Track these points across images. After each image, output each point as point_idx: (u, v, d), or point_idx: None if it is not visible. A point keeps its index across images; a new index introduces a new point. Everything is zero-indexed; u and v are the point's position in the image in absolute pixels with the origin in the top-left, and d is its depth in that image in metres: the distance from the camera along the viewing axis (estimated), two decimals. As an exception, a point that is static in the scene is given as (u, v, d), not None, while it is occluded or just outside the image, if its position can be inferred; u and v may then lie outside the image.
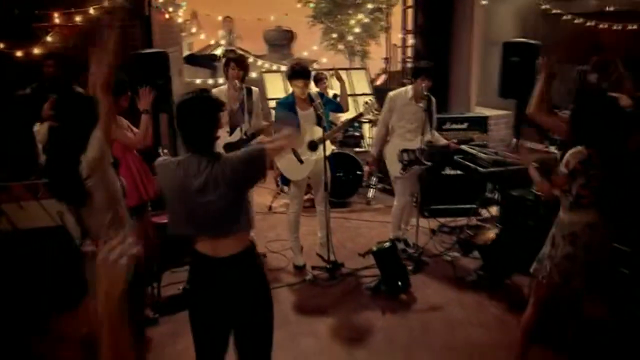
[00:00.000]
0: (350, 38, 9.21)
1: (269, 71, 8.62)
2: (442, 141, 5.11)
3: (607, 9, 7.01)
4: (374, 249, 4.45)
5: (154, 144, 4.62)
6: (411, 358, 3.60)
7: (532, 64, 5.89)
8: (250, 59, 8.86)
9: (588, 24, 6.83)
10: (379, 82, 9.79)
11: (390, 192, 6.73)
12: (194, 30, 9.12)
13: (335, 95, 5.49)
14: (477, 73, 7.00)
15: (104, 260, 1.34)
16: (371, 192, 6.75)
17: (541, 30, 7.86)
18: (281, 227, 5.58)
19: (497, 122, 6.72)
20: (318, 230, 4.97)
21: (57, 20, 5.72)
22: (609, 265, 2.98)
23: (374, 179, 6.83)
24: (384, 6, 9.09)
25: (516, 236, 4.51)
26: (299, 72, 4.46)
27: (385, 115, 5.00)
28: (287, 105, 4.57)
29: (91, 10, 5.72)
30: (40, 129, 3.17)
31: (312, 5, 10.03)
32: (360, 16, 9.04)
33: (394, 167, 4.97)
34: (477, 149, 5.32)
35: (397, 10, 8.54)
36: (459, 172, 5.82)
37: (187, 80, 8.51)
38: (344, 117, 5.77)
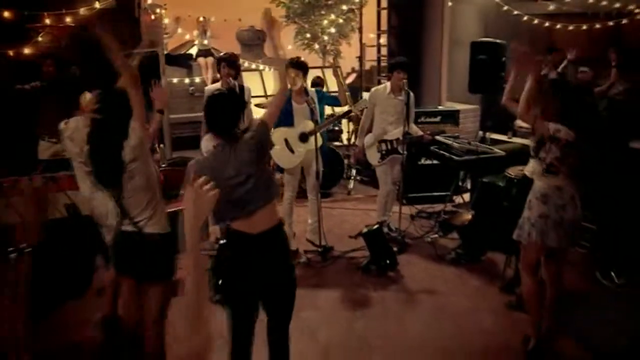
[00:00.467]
0: (325, 38, 9.58)
1: (248, 70, 8.92)
2: (418, 132, 5.55)
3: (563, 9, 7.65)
4: (364, 231, 4.85)
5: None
6: (404, 324, 4.01)
7: (498, 62, 6.44)
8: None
9: (546, 24, 7.43)
10: (350, 80, 10.23)
11: (368, 183, 7.20)
12: (180, 31, 9.33)
13: None
14: (445, 70, 7.50)
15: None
16: (351, 184, 7.15)
17: (502, 30, 8.45)
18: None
19: (465, 116, 7.23)
20: (308, 218, 5.33)
21: (47, 21, 5.88)
22: (577, 224, 3.45)
23: (353, 171, 7.24)
24: (355, 7, 9.51)
25: (490, 217, 4.99)
26: (292, 64, 4.85)
27: (369, 109, 5.41)
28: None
29: (81, 11, 5.90)
30: (69, 125, 3.38)
31: (285, 5, 10.35)
32: (332, 17, 9.45)
33: (373, 156, 5.40)
34: (451, 140, 5.81)
35: (366, 11, 8.95)
36: (433, 162, 6.29)
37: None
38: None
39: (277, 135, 4.86)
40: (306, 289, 4.51)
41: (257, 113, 5.63)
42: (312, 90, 5.07)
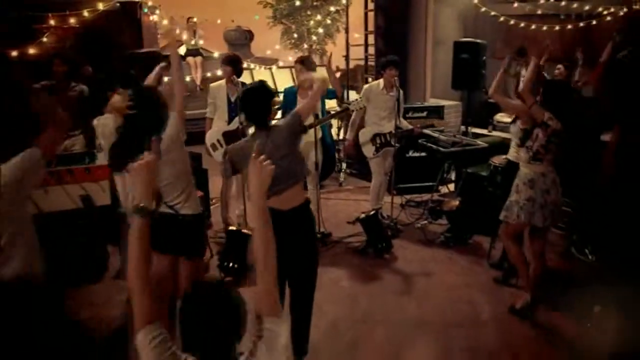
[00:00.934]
0: (314, 38, 9.94)
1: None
2: (408, 126, 5.96)
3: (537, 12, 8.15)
4: (361, 217, 5.24)
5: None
6: (402, 299, 4.42)
7: (478, 61, 6.91)
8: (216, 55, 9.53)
9: (521, 24, 7.90)
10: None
11: (358, 176, 7.59)
12: (178, 32, 9.58)
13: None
14: (429, 68, 7.94)
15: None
16: (342, 176, 7.54)
17: (481, 30, 8.94)
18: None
19: (449, 112, 7.66)
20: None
21: (52, 22, 6.12)
22: (559, 205, 3.91)
23: (344, 165, 7.62)
24: (341, 8, 9.89)
25: (475, 204, 5.44)
26: (298, 60, 5.40)
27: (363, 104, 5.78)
28: (292, 93, 5.40)
29: (85, 13, 6.16)
30: (102, 121, 3.69)
31: (272, 7, 10.69)
32: (318, 17, 9.81)
33: (368, 149, 5.79)
34: (438, 133, 6.24)
35: (351, 12, 9.30)
36: (421, 154, 6.72)
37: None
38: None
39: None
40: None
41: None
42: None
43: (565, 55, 7.10)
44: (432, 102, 7.72)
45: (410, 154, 6.84)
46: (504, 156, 4.83)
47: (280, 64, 9.47)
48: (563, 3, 8.13)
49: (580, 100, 6.70)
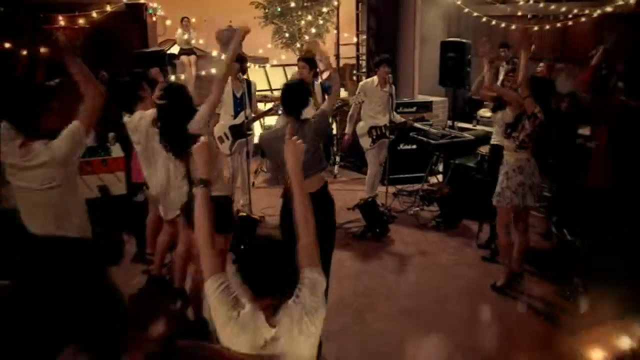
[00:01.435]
0: (307, 37, 10.32)
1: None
2: (401, 119, 6.39)
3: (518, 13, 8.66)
4: (360, 203, 5.66)
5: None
6: (400, 276, 4.87)
7: (464, 59, 7.38)
8: (214, 53, 9.85)
9: (502, 25, 8.39)
10: (324, 77, 11.00)
11: (351, 168, 8.01)
12: (179, 31, 9.92)
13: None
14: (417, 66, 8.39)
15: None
16: (336, 168, 7.94)
17: (464, 29, 9.44)
18: (267, 199, 6.62)
19: (436, 107, 8.13)
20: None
21: (62, 23, 6.42)
22: (540, 186, 4.39)
23: (337, 157, 8.03)
24: (330, 9, 10.29)
25: (462, 192, 5.90)
26: (301, 57, 5.86)
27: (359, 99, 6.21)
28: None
29: (94, 14, 6.47)
30: (134, 118, 4.07)
31: (264, 7, 11.05)
32: (309, 17, 10.20)
33: (365, 141, 6.22)
34: (428, 126, 6.69)
35: (341, 12, 9.68)
36: (412, 147, 7.16)
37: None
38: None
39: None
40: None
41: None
42: (317, 84, 5.88)
43: (545, 55, 7.63)
44: (420, 98, 8.17)
45: (402, 146, 7.27)
46: (488, 146, 5.30)
47: (274, 62, 9.83)
48: (541, 5, 8.65)
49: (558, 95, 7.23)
